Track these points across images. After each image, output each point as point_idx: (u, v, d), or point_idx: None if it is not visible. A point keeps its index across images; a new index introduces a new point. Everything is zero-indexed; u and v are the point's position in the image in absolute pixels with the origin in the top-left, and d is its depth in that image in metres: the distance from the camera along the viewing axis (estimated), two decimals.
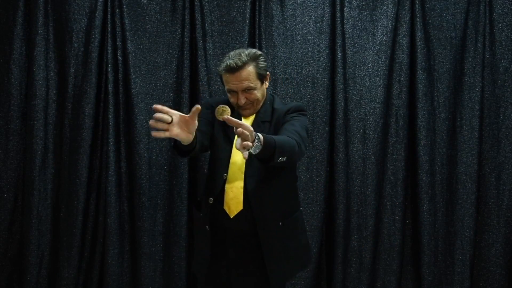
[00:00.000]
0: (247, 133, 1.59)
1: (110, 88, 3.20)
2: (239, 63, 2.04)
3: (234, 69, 2.04)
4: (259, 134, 1.72)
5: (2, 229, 3.20)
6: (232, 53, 2.10)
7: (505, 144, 3.28)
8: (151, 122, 1.59)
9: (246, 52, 2.08)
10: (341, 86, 3.24)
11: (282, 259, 2.16)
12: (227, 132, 2.15)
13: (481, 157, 3.30)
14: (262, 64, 2.11)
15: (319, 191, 3.26)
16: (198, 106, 1.65)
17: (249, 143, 1.59)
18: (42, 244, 3.19)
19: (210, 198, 2.14)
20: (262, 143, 1.71)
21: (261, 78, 2.13)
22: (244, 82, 2.06)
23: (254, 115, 2.16)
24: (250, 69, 2.07)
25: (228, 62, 2.05)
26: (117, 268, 3.20)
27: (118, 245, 3.20)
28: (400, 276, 3.30)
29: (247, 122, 2.14)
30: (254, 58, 2.08)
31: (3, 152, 3.20)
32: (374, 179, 3.26)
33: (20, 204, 3.23)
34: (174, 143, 1.93)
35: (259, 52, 2.12)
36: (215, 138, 2.18)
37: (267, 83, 2.19)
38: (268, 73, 2.17)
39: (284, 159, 1.83)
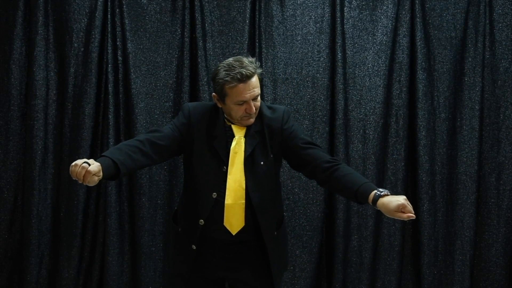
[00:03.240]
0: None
1: (110, 88, 3.19)
2: (252, 70, 2.02)
3: (249, 77, 2.01)
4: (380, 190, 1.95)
5: (2, 229, 3.20)
6: (234, 63, 2.04)
7: (505, 144, 3.28)
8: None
9: (249, 60, 2.06)
10: (341, 86, 3.23)
11: (280, 264, 2.24)
12: (215, 149, 2.10)
13: (481, 157, 3.30)
14: (260, 70, 2.10)
15: (319, 191, 3.26)
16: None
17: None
18: (42, 244, 3.19)
19: (201, 220, 2.09)
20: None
21: (261, 84, 2.14)
22: (255, 89, 2.04)
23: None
24: (257, 75, 2.07)
25: (242, 71, 2.00)
26: (117, 268, 3.20)
27: (118, 245, 3.20)
28: (400, 276, 3.30)
29: (240, 134, 2.11)
30: (256, 65, 2.07)
31: (3, 152, 3.20)
32: (374, 179, 3.25)
33: (20, 204, 3.23)
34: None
35: (255, 58, 2.11)
36: (195, 155, 2.12)
37: None
38: None
39: None
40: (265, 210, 2.12)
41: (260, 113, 2.16)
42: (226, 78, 2.01)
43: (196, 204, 2.12)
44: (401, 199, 1.87)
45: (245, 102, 2.04)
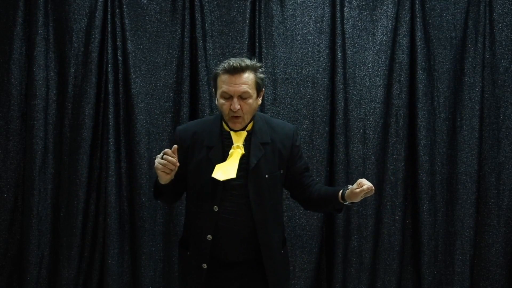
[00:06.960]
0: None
1: (110, 88, 3.20)
2: (243, 65, 2.00)
3: (235, 70, 1.99)
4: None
5: (2, 229, 3.20)
6: (232, 59, 2.05)
7: (505, 144, 3.28)
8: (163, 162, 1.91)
9: (248, 60, 2.06)
10: (341, 86, 3.24)
11: (283, 283, 2.20)
12: (210, 159, 2.05)
13: (481, 157, 3.30)
14: (261, 75, 2.07)
15: None
16: (175, 146, 1.95)
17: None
18: (42, 244, 3.19)
19: (209, 236, 2.05)
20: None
21: (258, 89, 2.06)
22: (243, 86, 2.00)
23: (246, 133, 2.08)
24: (251, 75, 2.03)
25: (230, 62, 2.01)
26: (117, 268, 3.20)
27: (118, 245, 3.20)
28: (400, 276, 3.30)
29: (240, 139, 2.06)
30: (254, 67, 2.05)
31: (3, 152, 3.20)
32: (374, 179, 3.25)
33: (20, 204, 3.23)
34: (154, 188, 2.14)
35: (260, 64, 2.09)
36: (191, 171, 2.10)
37: (260, 100, 2.12)
38: (263, 89, 2.11)
39: None
40: (266, 225, 2.08)
41: (270, 126, 2.14)
42: (218, 69, 2.05)
43: (200, 220, 2.08)
44: (357, 181, 2.01)
45: (230, 97, 2.01)
